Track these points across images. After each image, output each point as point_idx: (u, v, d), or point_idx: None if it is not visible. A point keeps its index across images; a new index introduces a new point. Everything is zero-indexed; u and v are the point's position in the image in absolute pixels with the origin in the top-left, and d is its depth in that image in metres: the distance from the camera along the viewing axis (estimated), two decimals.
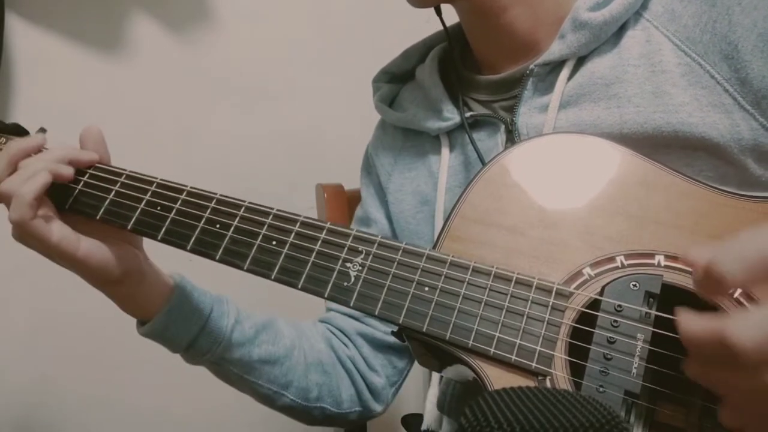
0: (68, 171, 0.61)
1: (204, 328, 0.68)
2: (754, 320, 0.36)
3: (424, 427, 0.76)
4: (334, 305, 0.84)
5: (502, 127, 0.69)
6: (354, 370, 0.80)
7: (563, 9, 0.66)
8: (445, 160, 0.73)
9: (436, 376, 0.74)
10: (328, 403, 0.77)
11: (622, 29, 0.63)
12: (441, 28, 0.77)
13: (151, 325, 0.66)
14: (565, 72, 0.64)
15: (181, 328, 0.67)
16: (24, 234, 0.58)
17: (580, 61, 0.64)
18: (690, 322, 0.38)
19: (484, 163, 0.60)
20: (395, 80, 0.83)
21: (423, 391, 1.37)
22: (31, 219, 0.56)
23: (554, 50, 0.64)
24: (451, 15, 0.75)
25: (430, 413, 0.75)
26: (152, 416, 1.30)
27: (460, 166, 0.72)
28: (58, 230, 0.58)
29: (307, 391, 0.76)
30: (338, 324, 0.82)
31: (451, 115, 0.72)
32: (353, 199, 1.05)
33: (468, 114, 0.71)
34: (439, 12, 0.74)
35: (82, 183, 0.62)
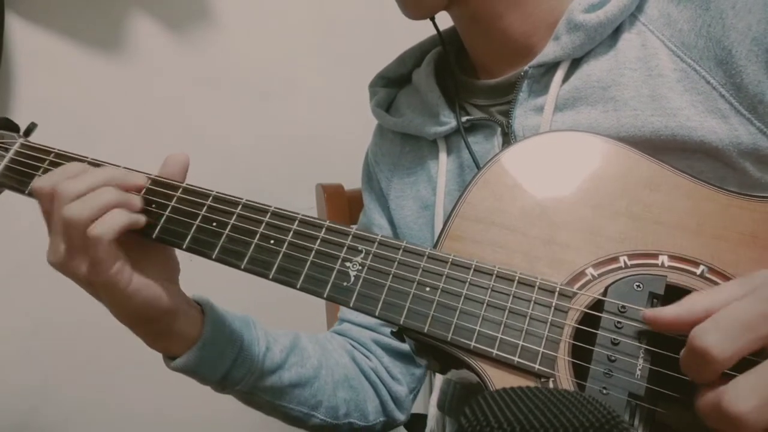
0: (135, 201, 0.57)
1: (237, 359, 0.65)
2: (747, 385, 0.37)
3: (426, 431, 0.76)
4: (348, 316, 0.83)
5: (499, 130, 0.68)
6: (378, 382, 0.79)
7: (558, 12, 0.65)
8: (443, 164, 0.73)
9: (437, 381, 0.74)
10: (355, 418, 0.77)
11: (617, 32, 0.63)
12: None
13: (185, 360, 0.61)
14: (559, 73, 0.64)
15: (215, 360, 0.64)
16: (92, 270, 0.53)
17: (575, 63, 0.64)
18: (700, 397, 0.40)
19: (479, 167, 0.59)
20: (391, 85, 0.83)
21: (424, 391, 1.37)
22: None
23: (548, 52, 0.64)
24: (445, 18, 0.75)
25: (432, 421, 0.75)
26: (152, 419, 1.29)
27: (458, 170, 0.72)
28: (120, 263, 0.53)
29: (336, 409, 0.75)
30: (355, 336, 0.81)
31: (448, 120, 0.72)
32: (353, 199, 1.05)
33: (464, 118, 0.71)
34: (433, 19, 0.74)
35: None
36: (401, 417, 0.81)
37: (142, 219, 0.56)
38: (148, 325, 0.59)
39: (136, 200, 0.56)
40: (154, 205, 0.59)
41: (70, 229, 0.52)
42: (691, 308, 0.42)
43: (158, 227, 0.58)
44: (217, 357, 0.64)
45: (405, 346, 0.79)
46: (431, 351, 0.52)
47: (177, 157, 0.60)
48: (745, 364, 0.39)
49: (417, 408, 1.25)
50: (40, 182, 0.56)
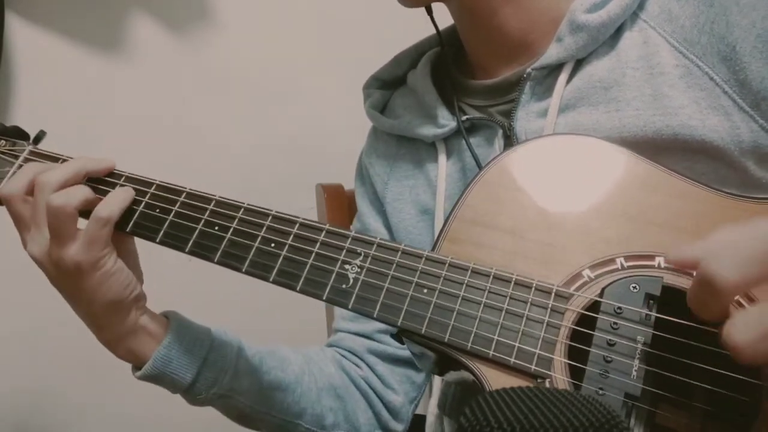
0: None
1: (207, 357, 0.64)
2: (746, 319, 0.37)
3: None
4: (341, 326, 0.81)
5: (500, 132, 0.68)
6: (369, 391, 0.77)
7: (557, 10, 0.65)
8: (443, 167, 0.72)
9: (437, 381, 0.74)
10: (345, 429, 0.74)
11: (619, 30, 0.62)
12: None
13: (152, 363, 0.61)
14: (563, 75, 0.63)
15: (184, 360, 0.62)
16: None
17: (578, 63, 0.64)
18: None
19: (482, 169, 0.59)
20: (386, 86, 0.82)
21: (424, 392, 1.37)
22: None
23: (552, 53, 0.63)
24: (443, 19, 0.75)
25: (431, 422, 0.74)
26: (152, 420, 1.29)
27: (459, 173, 0.71)
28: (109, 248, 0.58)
29: (321, 417, 0.72)
30: (347, 345, 0.79)
31: (447, 121, 0.71)
32: (353, 199, 1.04)
33: (464, 118, 0.70)
34: (430, 12, 0.73)
35: None
36: (399, 428, 0.78)
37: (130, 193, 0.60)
38: (117, 318, 0.60)
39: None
40: (158, 210, 0.60)
41: (59, 216, 0.56)
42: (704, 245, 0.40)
43: (162, 231, 0.59)
44: (185, 355, 0.63)
45: (403, 352, 0.77)
46: (429, 352, 0.53)
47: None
48: None
49: (418, 408, 1.25)
50: (8, 186, 0.59)
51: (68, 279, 0.58)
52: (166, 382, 0.63)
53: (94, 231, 0.56)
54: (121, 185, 0.61)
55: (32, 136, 0.69)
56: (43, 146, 0.67)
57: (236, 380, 0.66)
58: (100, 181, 0.62)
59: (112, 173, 0.63)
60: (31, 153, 0.65)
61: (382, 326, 0.75)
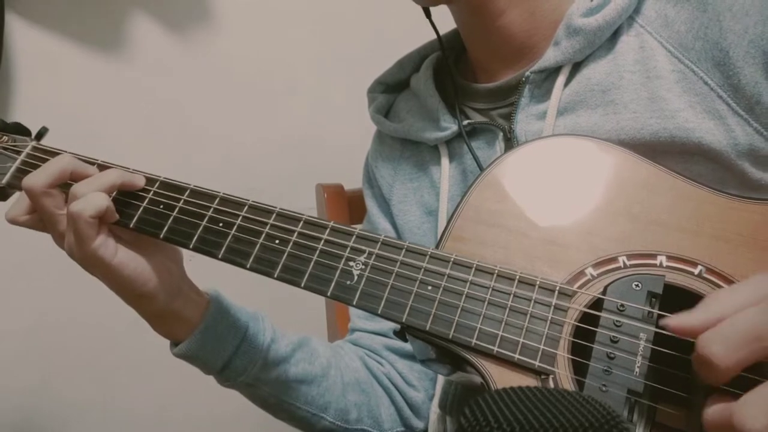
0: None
1: (240, 347, 0.66)
2: (760, 402, 0.38)
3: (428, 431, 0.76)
4: (357, 325, 0.82)
5: (501, 135, 0.69)
6: (392, 387, 0.78)
7: (560, 12, 0.66)
8: (446, 170, 0.73)
9: (439, 381, 0.74)
10: (368, 425, 0.75)
11: (615, 34, 0.63)
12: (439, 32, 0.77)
13: (187, 345, 0.63)
14: (561, 78, 0.64)
15: (217, 347, 0.65)
16: (76, 236, 0.57)
17: (576, 66, 0.64)
18: (709, 410, 0.41)
19: (485, 169, 0.60)
20: (390, 90, 0.83)
21: None
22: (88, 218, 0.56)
23: (549, 57, 0.64)
24: (444, 23, 0.75)
25: (433, 421, 0.75)
26: (152, 419, 1.29)
27: (461, 175, 0.72)
28: (102, 237, 0.57)
29: (346, 412, 0.73)
30: (365, 344, 0.80)
31: (449, 125, 0.72)
32: (353, 199, 1.05)
33: (465, 122, 0.71)
34: (429, 16, 0.74)
35: None
36: (420, 425, 0.79)
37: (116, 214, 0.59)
38: (145, 303, 0.61)
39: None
40: (162, 206, 0.60)
41: (76, 222, 0.56)
42: (706, 316, 0.42)
43: (165, 227, 0.59)
44: (219, 343, 0.65)
45: None
46: (433, 349, 0.53)
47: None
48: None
49: None
50: (31, 179, 0.58)
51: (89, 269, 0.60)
52: (198, 363, 0.66)
53: (79, 229, 0.57)
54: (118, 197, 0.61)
55: (34, 132, 0.69)
56: (45, 144, 0.67)
57: (264, 371, 0.68)
58: None
59: None
60: (34, 149, 0.65)
61: None
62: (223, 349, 0.65)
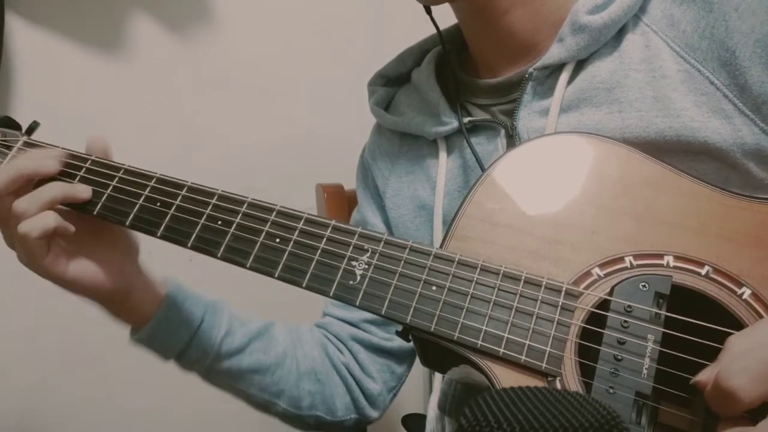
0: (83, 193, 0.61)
1: (192, 340, 0.68)
2: None
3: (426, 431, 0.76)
4: (330, 310, 0.84)
5: (502, 132, 0.68)
6: (349, 377, 0.80)
7: (564, 10, 0.65)
8: (443, 164, 0.72)
9: (437, 381, 0.73)
10: (321, 411, 0.78)
11: (621, 32, 0.63)
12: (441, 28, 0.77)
13: (139, 335, 0.67)
14: (564, 75, 0.64)
15: (169, 339, 0.67)
16: (23, 247, 0.58)
17: (580, 64, 0.64)
18: None
19: (483, 168, 0.59)
20: (390, 84, 0.82)
21: (423, 391, 1.37)
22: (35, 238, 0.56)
23: (553, 54, 0.64)
24: (445, 18, 0.75)
25: (432, 421, 0.74)
26: (151, 418, 1.29)
27: (459, 170, 0.72)
28: (52, 255, 0.58)
29: (298, 399, 0.76)
30: (334, 330, 0.82)
31: (449, 120, 0.71)
32: (353, 199, 1.05)
33: (466, 119, 0.70)
34: (430, 12, 0.73)
35: (78, 178, 0.61)
36: (374, 414, 0.81)
37: (70, 228, 0.59)
38: (99, 302, 0.64)
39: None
40: (158, 204, 0.59)
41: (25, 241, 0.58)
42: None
43: (162, 225, 0.58)
44: (170, 334, 0.67)
45: (386, 343, 0.80)
46: (436, 350, 0.52)
47: (97, 144, 0.64)
48: None
49: (417, 408, 1.25)
50: None
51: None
52: (153, 352, 0.68)
53: (29, 248, 0.58)
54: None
55: (24, 126, 0.68)
56: (38, 139, 0.66)
57: (217, 362, 0.70)
58: (94, 172, 0.61)
59: (111, 166, 0.62)
60: (25, 144, 0.64)
61: (369, 315, 0.77)
62: (176, 341, 0.68)
